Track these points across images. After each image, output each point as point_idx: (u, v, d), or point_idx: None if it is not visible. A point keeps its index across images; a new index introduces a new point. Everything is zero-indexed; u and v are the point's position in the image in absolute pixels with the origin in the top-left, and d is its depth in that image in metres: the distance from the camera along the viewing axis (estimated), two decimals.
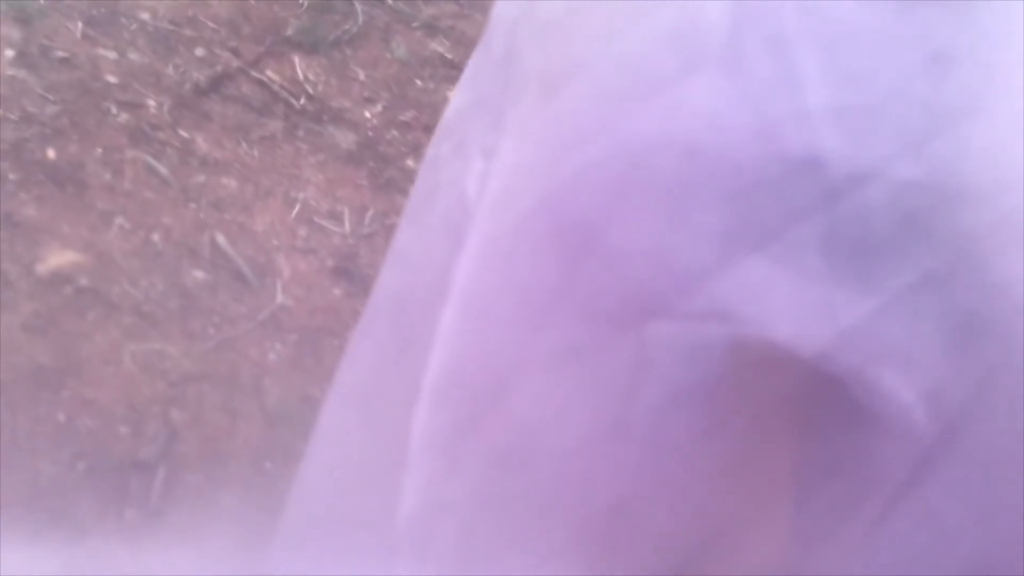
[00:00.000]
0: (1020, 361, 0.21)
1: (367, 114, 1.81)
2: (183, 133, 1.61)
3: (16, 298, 1.21)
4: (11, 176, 1.37)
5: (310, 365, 1.27)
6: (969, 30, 0.22)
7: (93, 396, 1.14)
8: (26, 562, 0.28)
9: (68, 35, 1.63)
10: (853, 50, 0.23)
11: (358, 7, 1.95)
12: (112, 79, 1.61)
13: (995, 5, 0.22)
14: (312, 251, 1.50)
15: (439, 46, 1.97)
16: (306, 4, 1.92)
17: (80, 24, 1.65)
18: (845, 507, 0.24)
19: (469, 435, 0.28)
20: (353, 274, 1.47)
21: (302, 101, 1.78)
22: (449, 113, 0.33)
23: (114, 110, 1.57)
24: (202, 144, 1.61)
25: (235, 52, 1.79)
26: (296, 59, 1.84)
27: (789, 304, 0.23)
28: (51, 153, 1.43)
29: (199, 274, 1.37)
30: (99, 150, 1.48)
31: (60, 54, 1.59)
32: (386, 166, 1.72)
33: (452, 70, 1.87)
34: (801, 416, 0.24)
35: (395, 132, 1.80)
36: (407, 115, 1.83)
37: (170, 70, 1.69)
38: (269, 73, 1.80)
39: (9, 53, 1.54)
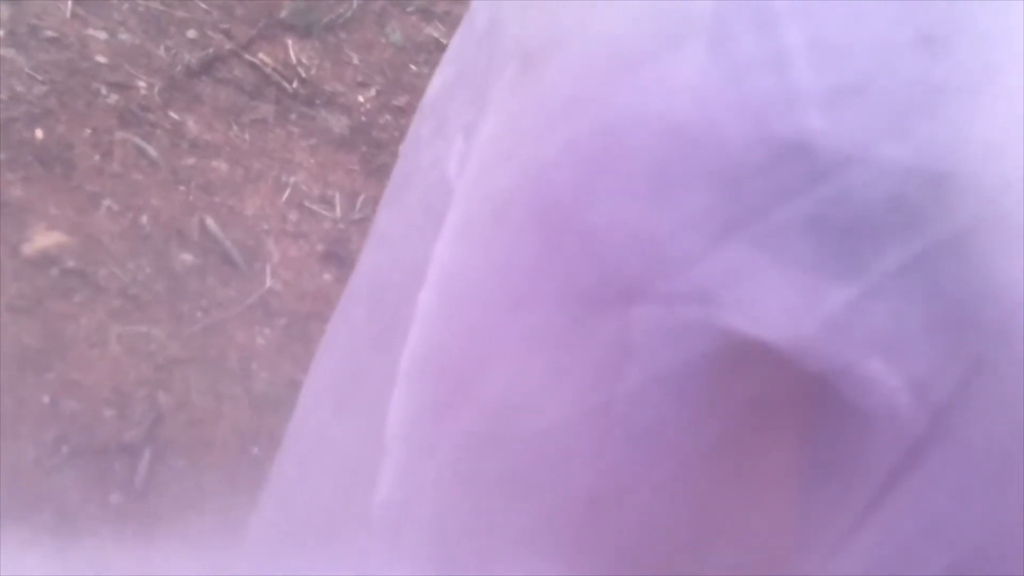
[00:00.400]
0: (1013, 354, 0.21)
1: (360, 98, 1.80)
2: (173, 115, 1.60)
3: (1, 279, 1.21)
4: None
5: (298, 350, 1.27)
6: (960, 15, 0.22)
7: (78, 378, 1.13)
8: (26, 562, 0.28)
9: (58, 14, 1.61)
10: (840, 27, 0.22)
11: None
12: (102, 59, 1.60)
13: (990, 5, 0.22)
14: (302, 235, 1.49)
15: (434, 31, 1.96)
16: None
17: (70, 3, 1.63)
18: (834, 497, 0.24)
19: (444, 418, 0.28)
20: (343, 259, 1.46)
21: (295, 85, 1.77)
22: (430, 91, 0.32)
23: (103, 91, 1.56)
24: (193, 127, 1.60)
25: (227, 34, 1.78)
26: (289, 42, 1.83)
27: (772, 288, 0.22)
28: (39, 133, 1.42)
29: (187, 257, 1.36)
30: (88, 131, 1.47)
31: (49, 33, 1.58)
32: (379, 151, 1.71)
33: None
34: (787, 402, 0.24)
35: (388, 117, 1.79)
36: (401, 100, 1.82)
37: (161, 51, 1.68)
38: (262, 56, 1.79)
39: None
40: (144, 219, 1.39)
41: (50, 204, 1.32)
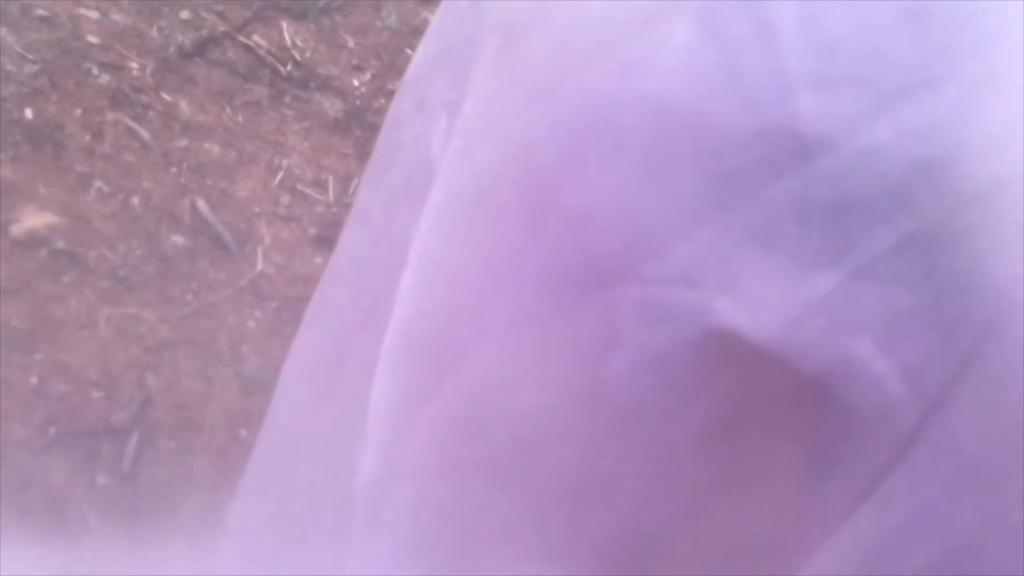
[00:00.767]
0: (1010, 353, 0.20)
1: (355, 82, 1.79)
2: (166, 97, 1.59)
3: None
4: None
5: (289, 333, 1.26)
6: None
7: (67, 360, 1.12)
8: (26, 561, 0.27)
9: None
10: (831, 5, 0.21)
11: None
12: (94, 39, 1.59)
13: (988, 6, 0.21)
14: (295, 219, 1.49)
15: (430, 15, 1.95)
16: None
17: None
18: (824, 488, 0.23)
19: (424, 401, 0.27)
20: (336, 243, 1.45)
21: (289, 67, 1.76)
22: (412, 68, 0.32)
23: (95, 71, 1.54)
24: (185, 108, 1.59)
25: (221, 16, 1.76)
26: (284, 25, 1.82)
27: (759, 270, 0.22)
28: (29, 113, 1.41)
29: (178, 239, 1.35)
30: (79, 111, 1.46)
31: (41, 12, 1.57)
32: (373, 135, 1.71)
33: None
34: (776, 386, 0.23)
35: (383, 101, 1.78)
36: (396, 84, 1.81)
37: (154, 32, 1.67)
38: (256, 38, 1.77)
39: None
40: (135, 201, 1.38)
41: (40, 185, 1.31)
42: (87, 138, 1.43)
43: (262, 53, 1.75)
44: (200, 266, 1.33)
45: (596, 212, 0.22)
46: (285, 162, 1.59)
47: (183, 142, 1.53)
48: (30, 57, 1.50)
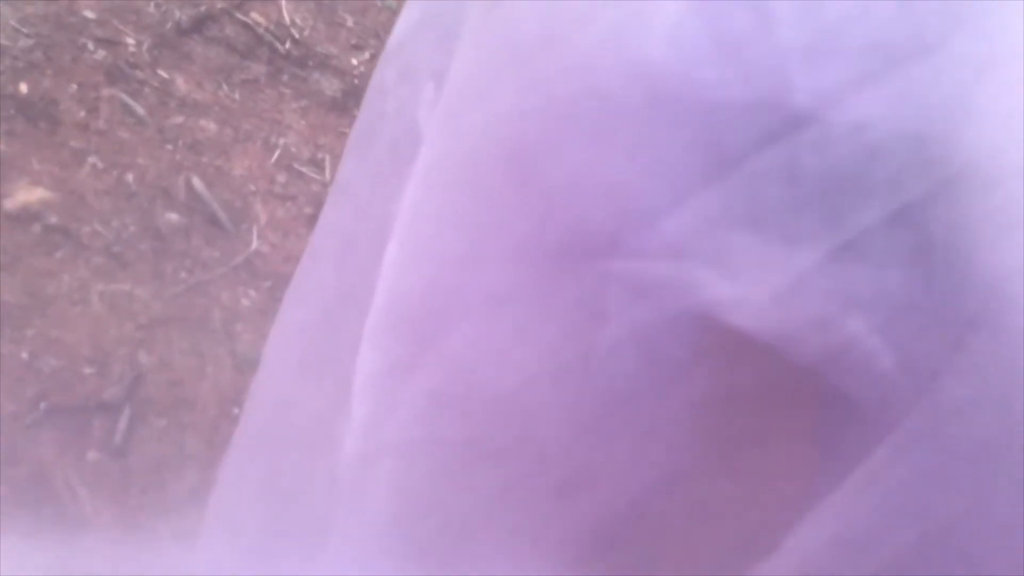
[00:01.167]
0: (1008, 347, 0.20)
1: (354, 61, 1.78)
2: (162, 73, 1.58)
3: None
4: None
5: None
6: None
7: (58, 336, 1.12)
8: (24, 558, 0.27)
9: None
10: None
11: None
12: (90, 14, 1.57)
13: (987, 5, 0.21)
14: (291, 198, 1.48)
15: None
16: None
17: None
18: (812, 465, 0.23)
19: (406, 376, 0.27)
20: None
21: (287, 46, 1.75)
22: (395, 35, 0.31)
23: (91, 46, 1.53)
24: (181, 85, 1.58)
25: None
26: (283, 2, 1.80)
27: (746, 241, 0.21)
28: (23, 88, 1.40)
29: (173, 217, 1.35)
30: (74, 87, 1.45)
31: None
32: None
33: None
34: (765, 363, 0.23)
35: None
36: None
37: (151, 8, 1.65)
38: (254, 15, 1.76)
39: None
40: (129, 177, 1.37)
41: (33, 159, 1.30)
42: (82, 113, 1.42)
43: (260, 31, 1.74)
44: (194, 243, 1.32)
45: (579, 182, 0.22)
46: (282, 140, 1.58)
47: (179, 119, 1.52)
48: (25, 31, 1.48)
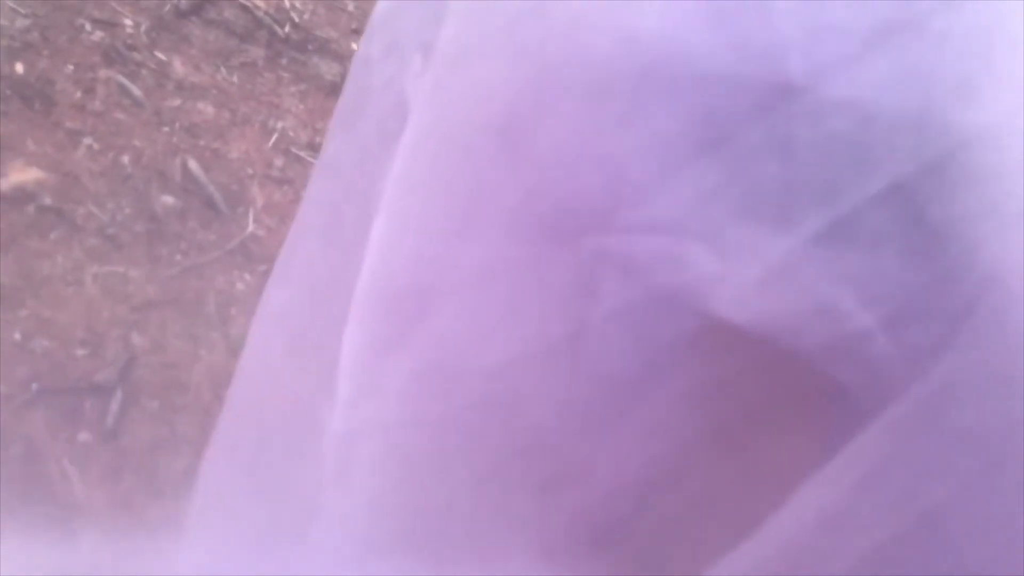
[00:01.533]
0: (1008, 342, 0.19)
1: (354, 46, 1.77)
2: (160, 55, 1.57)
3: None
4: None
5: None
6: None
7: (51, 317, 1.11)
8: (24, 558, 0.26)
9: None
10: None
11: None
12: None
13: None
14: (287, 181, 1.47)
15: None
16: None
17: None
18: (807, 448, 0.22)
19: (391, 353, 0.26)
20: None
21: (287, 29, 1.74)
22: (379, 7, 0.30)
23: (88, 27, 1.52)
24: (179, 68, 1.57)
25: None
26: None
27: (739, 216, 0.21)
28: (19, 68, 1.39)
29: (168, 199, 1.34)
30: (70, 67, 1.44)
31: None
32: None
33: None
34: (757, 344, 0.22)
35: None
36: None
37: None
38: None
39: None
40: (125, 159, 1.36)
41: (28, 140, 1.29)
42: (78, 95, 1.41)
43: (260, 14, 1.73)
44: (190, 226, 1.32)
45: (568, 154, 0.21)
46: (280, 124, 1.58)
47: (176, 101, 1.51)
48: (22, 11, 1.47)
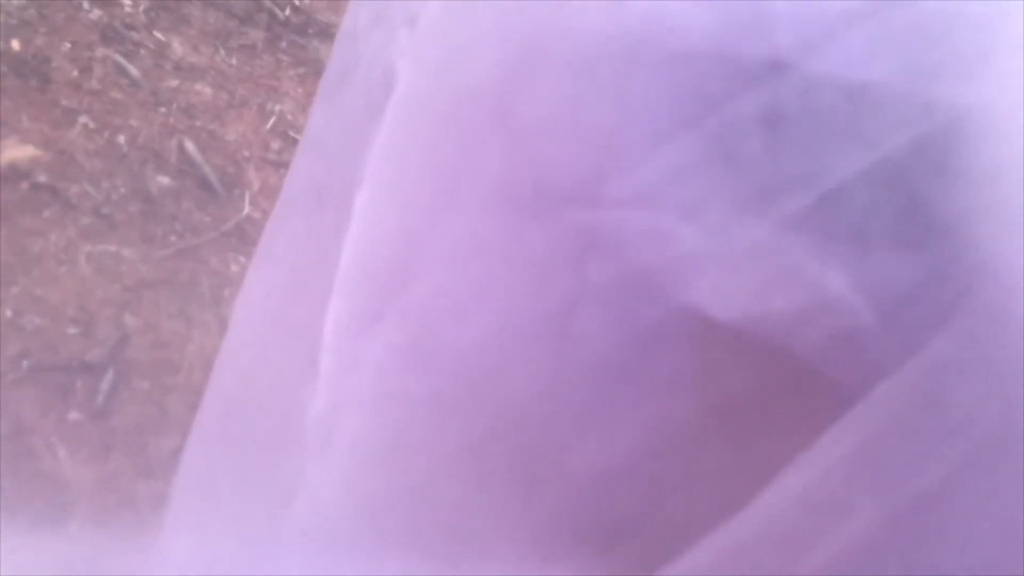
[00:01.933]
0: (1008, 337, 0.19)
1: None
2: (158, 35, 1.56)
3: None
4: None
5: None
6: None
7: (43, 295, 1.11)
8: (24, 558, 0.26)
9: None
10: None
11: None
12: None
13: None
14: (284, 165, 1.47)
15: None
16: None
17: None
18: (789, 432, 0.22)
19: (370, 329, 0.26)
20: None
21: (287, 12, 1.73)
22: None
23: (86, 5, 1.51)
24: (178, 48, 1.56)
25: None
26: None
27: (723, 189, 0.20)
28: (15, 44, 1.38)
29: (164, 179, 1.34)
30: (67, 45, 1.43)
31: None
32: None
33: None
34: (740, 319, 0.22)
35: None
36: None
37: None
38: None
39: None
40: (121, 138, 1.36)
41: (23, 117, 1.28)
42: (75, 73, 1.41)
43: None
44: (185, 207, 1.31)
45: (546, 126, 0.21)
46: (278, 107, 1.57)
47: (174, 82, 1.50)
48: None
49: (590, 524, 0.25)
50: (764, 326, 0.21)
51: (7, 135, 1.26)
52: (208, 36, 1.61)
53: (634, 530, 0.25)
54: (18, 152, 1.24)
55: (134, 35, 1.53)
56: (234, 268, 1.27)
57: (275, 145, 1.50)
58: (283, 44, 1.70)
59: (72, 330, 1.10)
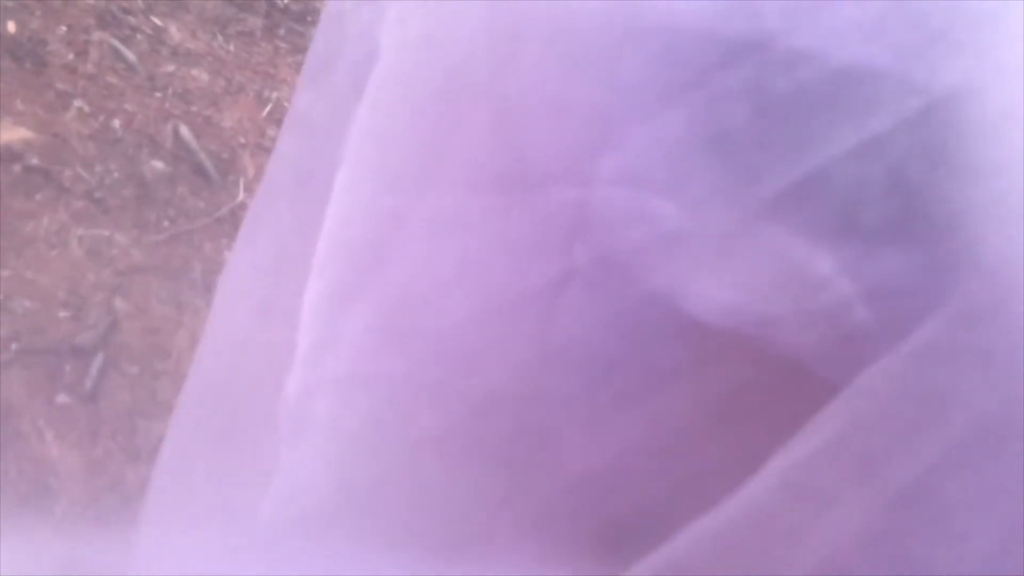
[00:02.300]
0: (1009, 335, 0.19)
1: None
2: (156, 20, 1.55)
3: None
4: None
5: None
6: None
7: (34, 278, 1.10)
8: (24, 557, 0.26)
9: None
10: None
11: None
12: None
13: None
14: None
15: None
16: None
17: None
18: (777, 420, 0.22)
19: (347, 308, 0.25)
20: None
21: (286, 0, 1.73)
22: None
23: None
24: (175, 33, 1.55)
25: None
26: None
27: (709, 168, 0.20)
28: (11, 27, 1.37)
29: (158, 164, 1.33)
30: (63, 28, 1.43)
31: None
32: None
33: None
34: (726, 304, 0.21)
35: None
36: None
37: None
38: None
39: None
40: (116, 123, 1.35)
41: (17, 99, 1.28)
42: (70, 56, 1.40)
43: None
44: (179, 193, 1.31)
45: (527, 101, 0.21)
46: (275, 95, 1.56)
47: (170, 67, 1.49)
48: None
49: (578, 514, 0.24)
50: (750, 312, 0.21)
51: (1, 117, 1.26)
52: (206, 22, 1.61)
53: (626, 525, 0.24)
54: (11, 134, 1.23)
55: (131, 20, 1.52)
56: (227, 255, 1.26)
57: (271, 132, 1.50)
58: (281, 31, 1.69)
59: (62, 314, 1.10)
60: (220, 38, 1.60)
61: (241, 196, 1.36)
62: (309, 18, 1.74)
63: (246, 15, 1.68)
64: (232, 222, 1.31)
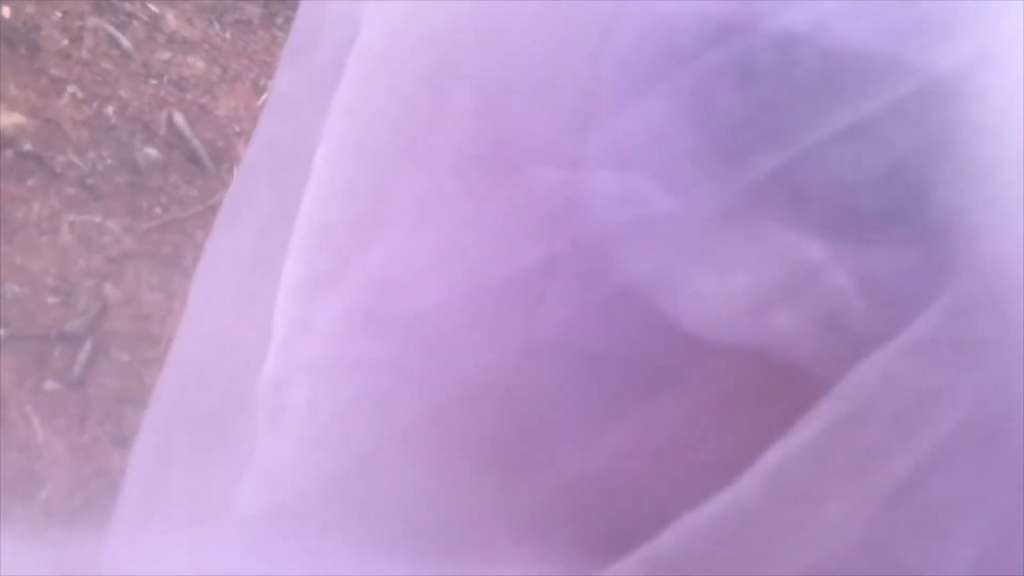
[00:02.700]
0: (1010, 334, 0.18)
1: None
2: (152, 7, 1.55)
3: None
4: None
5: None
6: None
7: (24, 263, 1.10)
8: (24, 557, 0.25)
9: None
10: None
11: None
12: None
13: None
14: None
15: None
16: None
17: None
18: (770, 417, 0.21)
19: (325, 292, 0.25)
20: None
21: None
22: None
23: None
24: (171, 21, 1.54)
25: None
26: None
27: (696, 149, 0.19)
28: (5, 11, 1.36)
29: (152, 152, 1.32)
30: (58, 14, 1.42)
31: None
32: None
33: None
34: (711, 292, 0.21)
35: None
36: None
37: None
38: None
39: None
40: (109, 109, 1.34)
41: (11, 85, 1.27)
42: (65, 42, 1.39)
43: None
44: (172, 180, 1.30)
45: (509, 80, 0.20)
46: (271, 83, 1.56)
47: (166, 54, 1.48)
48: None
49: (570, 514, 0.24)
50: (739, 305, 0.20)
51: None
52: (203, 10, 1.60)
53: (618, 524, 0.24)
54: (5, 119, 1.23)
55: (127, 6, 1.51)
56: None
57: None
58: (279, 20, 1.68)
59: (52, 299, 1.09)
60: (217, 26, 1.59)
61: None
62: None
63: (243, 3, 1.67)
64: None
